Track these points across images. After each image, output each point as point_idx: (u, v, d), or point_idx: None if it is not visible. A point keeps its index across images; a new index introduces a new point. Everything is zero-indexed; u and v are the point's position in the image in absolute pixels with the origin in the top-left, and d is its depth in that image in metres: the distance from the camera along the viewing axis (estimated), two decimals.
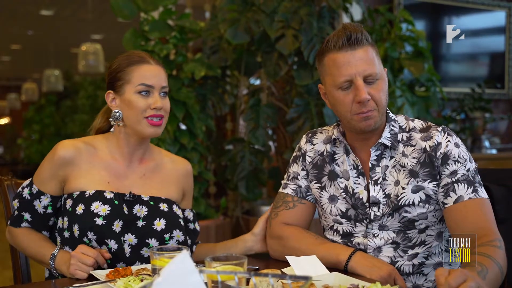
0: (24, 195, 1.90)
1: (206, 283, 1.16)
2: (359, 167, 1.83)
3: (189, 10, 5.12)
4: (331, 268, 1.66)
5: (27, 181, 1.93)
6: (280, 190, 1.98)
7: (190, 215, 2.06)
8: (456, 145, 1.75)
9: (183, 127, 3.75)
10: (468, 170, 1.73)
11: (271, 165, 4.15)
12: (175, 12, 3.79)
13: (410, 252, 1.76)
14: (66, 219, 1.84)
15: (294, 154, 1.99)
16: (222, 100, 3.91)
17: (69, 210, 1.83)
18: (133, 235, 1.84)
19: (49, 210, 1.90)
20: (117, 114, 1.90)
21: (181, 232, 1.91)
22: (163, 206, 1.91)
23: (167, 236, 1.87)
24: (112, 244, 1.81)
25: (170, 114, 3.62)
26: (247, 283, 1.36)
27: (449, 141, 1.75)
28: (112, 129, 1.94)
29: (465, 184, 1.70)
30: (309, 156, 1.93)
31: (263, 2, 3.69)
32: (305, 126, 3.62)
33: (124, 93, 1.89)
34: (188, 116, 3.68)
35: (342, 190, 1.84)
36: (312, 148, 1.93)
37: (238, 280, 1.18)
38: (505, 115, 5.74)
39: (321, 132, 1.96)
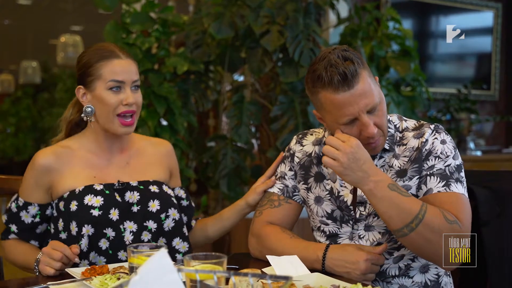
0: (12, 209, 1.95)
1: (184, 282, 1.15)
2: None
3: (172, 3, 5.05)
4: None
5: (14, 196, 1.98)
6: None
7: (181, 192, 2.09)
8: (443, 142, 1.74)
9: (164, 122, 3.70)
10: (448, 166, 1.70)
11: (254, 163, 4.12)
12: (158, 5, 3.73)
13: (396, 254, 1.75)
14: (61, 220, 1.87)
15: (283, 154, 1.99)
16: (205, 96, 3.87)
17: (63, 211, 1.86)
18: (132, 221, 1.87)
19: (37, 219, 1.92)
20: (89, 109, 1.91)
21: (176, 210, 1.96)
22: (153, 188, 1.95)
23: (163, 216, 1.92)
24: (110, 232, 1.84)
25: (151, 110, 3.61)
26: (227, 282, 1.35)
27: (436, 138, 1.74)
28: (87, 119, 1.94)
29: (438, 178, 1.68)
30: (297, 157, 1.93)
31: None
32: (289, 124, 3.60)
33: (95, 89, 1.89)
34: (169, 112, 3.63)
35: (327, 192, 1.83)
36: (301, 149, 1.93)
37: (217, 279, 1.16)
38: (490, 117, 5.76)
39: (311, 134, 1.96)
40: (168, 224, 1.93)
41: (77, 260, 1.71)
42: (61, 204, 1.87)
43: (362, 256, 1.62)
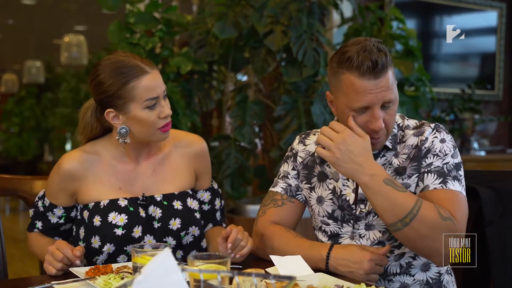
0: (38, 206, 1.94)
1: (188, 282, 1.13)
2: None
3: (176, 3, 5.06)
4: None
5: (41, 193, 1.96)
6: (270, 188, 1.98)
7: (204, 196, 2.04)
8: (442, 141, 1.74)
9: None
10: (446, 163, 1.70)
11: (257, 163, 4.12)
12: (162, 5, 3.74)
13: (397, 252, 1.75)
14: (82, 229, 1.86)
15: (286, 154, 2.00)
16: (208, 96, 3.88)
17: (87, 222, 1.85)
18: (152, 236, 1.86)
19: (62, 220, 1.93)
20: (124, 130, 1.84)
21: (197, 227, 1.93)
22: (177, 204, 1.91)
23: (183, 233, 1.90)
24: (130, 248, 1.81)
25: None
26: (230, 282, 1.36)
27: (435, 136, 1.75)
28: (122, 140, 1.86)
29: (435, 175, 1.69)
30: (300, 157, 1.93)
31: None
32: (292, 124, 3.60)
33: (129, 111, 1.81)
34: (173, 112, 3.58)
35: (330, 191, 1.84)
36: (304, 149, 1.94)
37: (221, 279, 1.15)
38: (494, 117, 5.75)
39: (314, 134, 1.97)
40: (187, 239, 1.91)
41: (78, 262, 1.69)
42: (85, 214, 1.85)
43: (366, 256, 1.63)
